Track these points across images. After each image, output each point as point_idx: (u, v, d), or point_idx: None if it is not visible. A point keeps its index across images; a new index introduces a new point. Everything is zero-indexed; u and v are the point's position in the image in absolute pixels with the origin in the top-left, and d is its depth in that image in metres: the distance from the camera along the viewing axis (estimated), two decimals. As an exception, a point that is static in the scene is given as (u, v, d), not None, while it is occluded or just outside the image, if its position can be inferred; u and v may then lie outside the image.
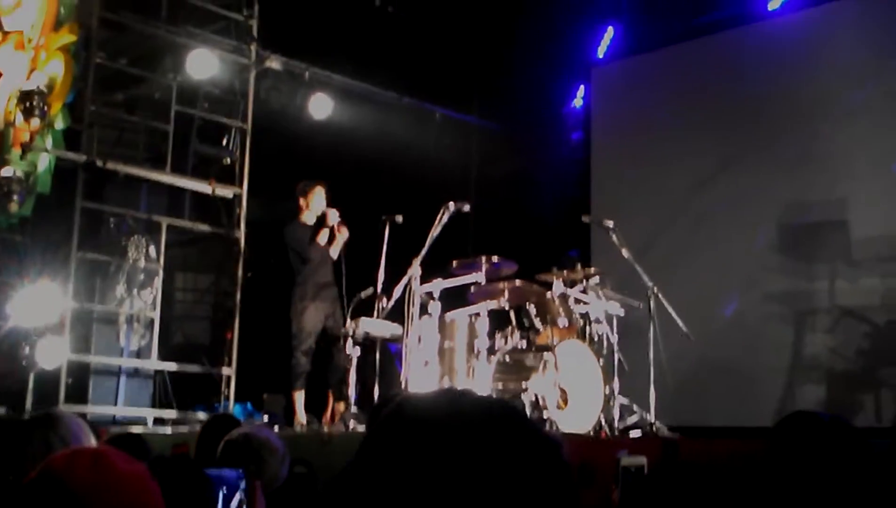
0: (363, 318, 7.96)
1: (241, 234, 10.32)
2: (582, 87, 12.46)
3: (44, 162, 9.18)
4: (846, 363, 9.43)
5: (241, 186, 10.44)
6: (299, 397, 8.70)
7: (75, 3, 9.50)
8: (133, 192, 10.17)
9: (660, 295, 7.74)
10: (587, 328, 7.92)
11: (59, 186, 9.34)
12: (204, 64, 10.12)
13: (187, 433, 7.43)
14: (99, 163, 9.43)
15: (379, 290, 7.81)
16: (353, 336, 7.89)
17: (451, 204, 7.81)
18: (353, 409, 7.82)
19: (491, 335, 7.59)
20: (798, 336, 9.76)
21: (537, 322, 7.81)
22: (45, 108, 8.91)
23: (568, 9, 11.76)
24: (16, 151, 9.18)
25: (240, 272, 10.25)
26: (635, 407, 7.78)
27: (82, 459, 1.53)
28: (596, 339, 7.92)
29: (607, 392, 7.54)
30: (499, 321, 7.90)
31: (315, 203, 8.74)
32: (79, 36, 9.34)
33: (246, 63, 10.65)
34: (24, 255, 9.63)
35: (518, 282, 7.84)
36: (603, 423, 7.47)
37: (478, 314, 7.58)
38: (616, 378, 7.68)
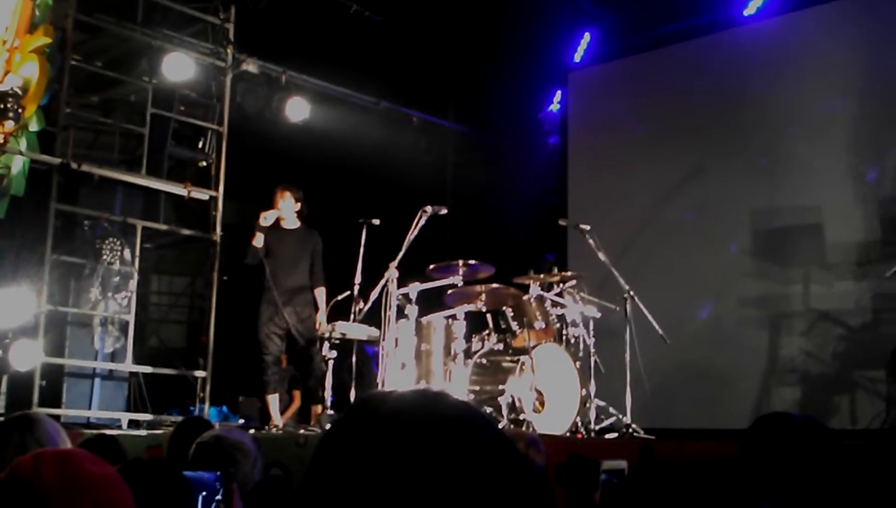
0: (340, 321, 7.96)
1: (217, 237, 10.27)
2: (559, 91, 12.49)
3: (18, 164, 9.11)
4: (820, 365, 9.49)
5: (216, 189, 10.38)
6: (273, 400, 8.70)
7: (50, 6, 9.43)
8: (108, 194, 10.11)
9: (636, 298, 7.77)
10: (564, 330, 7.95)
11: (33, 189, 9.26)
12: (180, 67, 10.06)
13: (161, 436, 7.38)
14: (73, 165, 9.36)
15: (356, 293, 7.81)
16: (329, 339, 7.88)
17: (429, 207, 7.81)
18: (330, 412, 7.80)
19: (468, 338, 7.61)
20: (773, 339, 9.82)
21: (514, 325, 7.82)
22: (20, 110, 8.84)
23: (545, 14, 11.78)
24: (-10, 154, 9.12)
25: (215, 275, 10.20)
26: (611, 409, 7.81)
27: (50, 461, 1.52)
28: (572, 342, 7.95)
29: (584, 395, 7.57)
30: (476, 323, 7.92)
31: (280, 206, 8.71)
32: (54, 38, 9.26)
33: (222, 66, 10.60)
34: (-2, 257, 9.57)
35: (495, 285, 7.84)
36: (579, 425, 7.49)
37: (454, 317, 7.59)
38: (592, 381, 7.71)
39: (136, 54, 10.30)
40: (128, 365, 9.83)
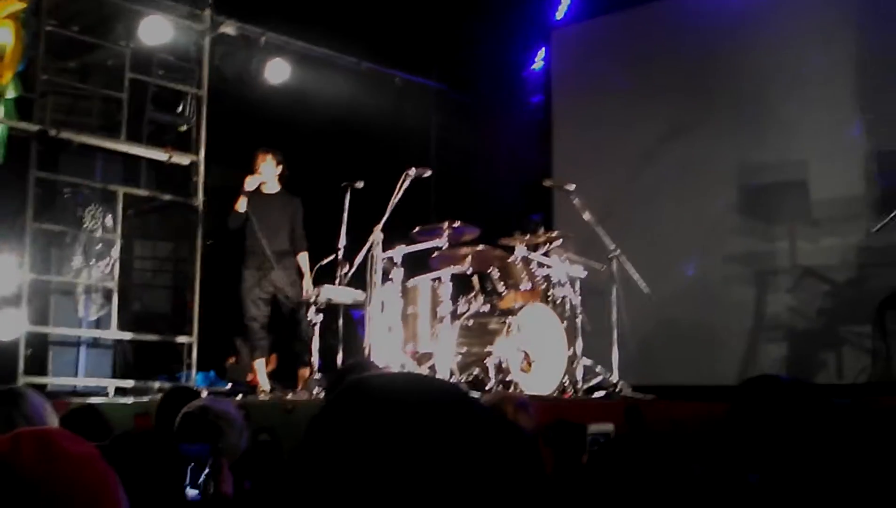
0: (325, 285, 7.93)
1: (200, 201, 10.20)
2: (542, 49, 12.39)
3: (-5, 132, 9.02)
4: (806, 321, 9.52)
5: (197, 153, 10.30)
6: (260, 365, 8.68)
7: (23, -30, 9.28)
8: (88, 161, 10.03)
9: (622, 257, 7.76)
10: (550, 290, 7.94)
11: (12, 157, 9.18)
12: (157, 30, 9.93)
13: (149, 403, 7.37)
14: (52, 132, 9.27)
15: (340, 257, 7.78)
16: (315, 303, 7.86)
17: (412, 170, 7.77)
18: (317, 375, 7.80)
19: (454, 300, 7.60)
20: (759, 296, 9.84)
21: (500, 286, 7.81)
22: (-4, 77, 8.74)
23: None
24: (-33, 122, 9.01)
25: (199, 240, 10.14)
26: (599, 368, 7.83)
27: (28, 442, 1.49)
28: (559, 302, 7.94)
29: (571, 354, 7.59)
30: (462, 285, 7.91)
31: (261, 169, 8.64)
32: (28, 3, 9.13)
33: (200, 29, 10.46)
34: (-22, 227, 9.49)
35: (480, 247, 7.83)
36: (567, 384, 7.51)
37: (440, 280, 7.57)
38: (579, 340, 7.72)
39: (113, 18, 10.14)
40: (113, 332, 9.81)
